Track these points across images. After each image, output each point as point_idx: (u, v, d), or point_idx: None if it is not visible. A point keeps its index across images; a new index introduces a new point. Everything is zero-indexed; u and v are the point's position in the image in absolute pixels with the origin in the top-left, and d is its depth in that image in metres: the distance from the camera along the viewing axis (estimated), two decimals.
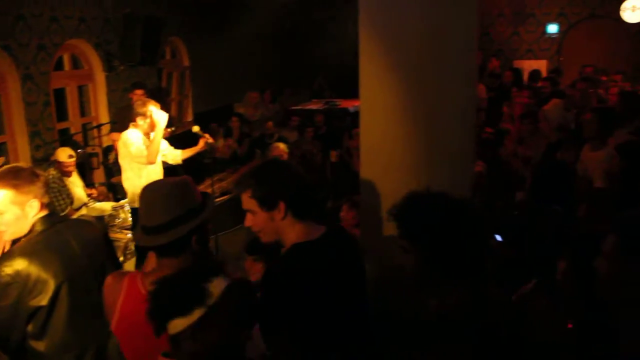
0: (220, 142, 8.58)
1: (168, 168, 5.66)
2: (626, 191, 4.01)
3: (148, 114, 5.14)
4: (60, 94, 7.51)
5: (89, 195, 6.26)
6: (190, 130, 5.81)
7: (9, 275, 2.29)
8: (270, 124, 8.76)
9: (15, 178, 2.40)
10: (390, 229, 2.02)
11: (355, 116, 3.29)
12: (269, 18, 10.30)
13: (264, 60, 11.76)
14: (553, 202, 3.38)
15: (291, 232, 2.14)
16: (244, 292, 1.68)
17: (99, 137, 7.64)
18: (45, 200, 2.47)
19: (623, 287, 1.74)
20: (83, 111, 7.98)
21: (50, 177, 5.55)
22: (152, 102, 5.30)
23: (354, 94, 3.41)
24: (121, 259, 4.54)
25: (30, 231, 2.44)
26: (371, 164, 3.23)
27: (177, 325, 1.60)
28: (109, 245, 2.70)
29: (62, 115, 7.57)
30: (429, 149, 3.11)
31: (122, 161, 5.31)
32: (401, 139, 3.13)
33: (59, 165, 5.80)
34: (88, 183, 6.93)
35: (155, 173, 5.25)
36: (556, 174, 3.55)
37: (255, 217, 2.14)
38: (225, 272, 1.70)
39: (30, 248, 2.40)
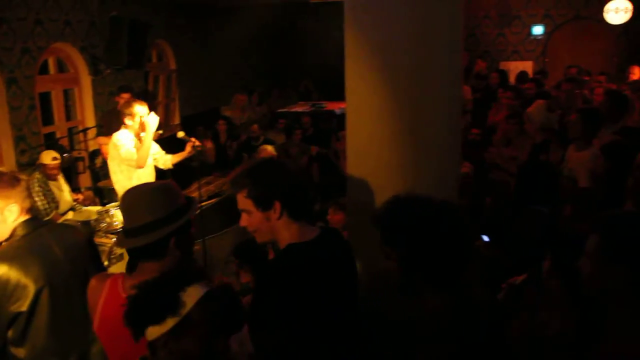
0: (208, 146, 8.55)
1: (157, 171, 5.63)
2: (610, 191, 4.03)
3: (134, 112, 5.10)
4: (45, 98, 7.46)
5: (75, 200, 6.22)
6: (176, 135, 5.77)
7: None
8: (255, 126, 8.75)
9: None
10: (376, 232, 2.02)
11: (341, 118, 3.29)
12: (255, 21, 10.29)
13: (251, 63, 11.76)
14: (538, 202, 3.40)
15: (286, 232, 2.14)
16: (222, 300, 1.67)
17: (85, 141, 7.59)
18: (27, 204, 2.45)
19: (606, 287, 1.75)
20: (69, 115, 7.93)
21: (35, 180, 5.52)
22: (139, 101, 5.25)
23: (340, 96, 3.41)
24: (106, 263, 4.51)
25: (11, 236, 2.42)
26: (358, 166, 3.22)
27: (152, 332, 1.60)
28: (93, 249, 2.68)
29: (47, 119, 7.52)
30: (415, 150, 3.12)
31: (112, 163, 5.28)
32: (387, 140, 3.13)
33: (43, 168, 5.76)
34: (74, 187, 6.89)
35: (147, 176, 5.19)
36: (541, 174, 3.57)
37: (251, 217, 2.13)
38: (206, 278, 1.69)
39: (10, 253, 2.37)
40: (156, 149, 5.47)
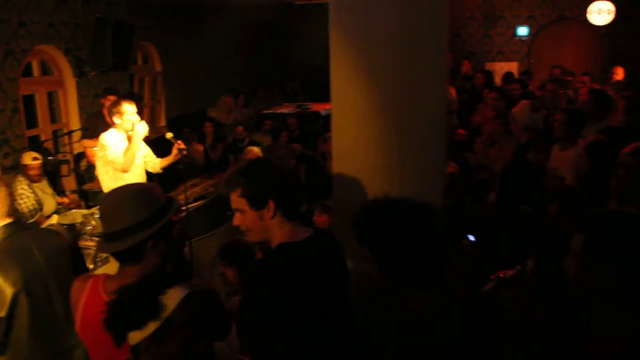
0: (195, 148, 8.52)
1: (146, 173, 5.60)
2: (595, 190, 4.06)
3: (123, 110, 5.09)
4: (29, 101, 7.39)
5: (60, 203, 6.17)
6: (163, 136, 5.75)
7: None
8: (240, 128, 8.73)
9: None
10: None
11: (328, 119, 3.29)
12: (241, 22, 10.27)
13: (237, 64, 11.73)
14: (522, 202, 3.42)
15: (279, 232, 2.15)
16: (204, 302, 1.65)
17: (70, 144, 7.53)
18: (6, 208, 2.42)
19: (592, 286, 1.76)
20: (53, 118, 7.86)
21: (18, 183, 5.47)
22: (127, 100, 5.26)
23: (326, 97, 3.42)
24: (91, 266, 4.47)
25: None
26: (343, 167, 3.23)
27: (134, 337, 1.58)
28: (77, 254, 2.66)
29: (31, 122, 7.44)
30: (401, 151, 3.13)
31: (98, 164, 5.27)
32: (373, 141, 3.14)
33: (25, 169, 5.72)
34: (59, 191, 6.83)
35: (136, 177, 5.18)
36: (525, 174, 3.59)
37: (244, 216, 2.14)
38: (188, 280, 1.68)
39: None
40: (147, 151, 5.45)
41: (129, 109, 5.13)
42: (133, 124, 5.13)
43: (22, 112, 7.02)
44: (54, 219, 5.83)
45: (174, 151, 5.40)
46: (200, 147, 8.76)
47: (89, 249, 4.84)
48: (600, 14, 9.53)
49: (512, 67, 11.63)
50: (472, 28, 12.42)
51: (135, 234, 1.94)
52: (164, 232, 2.01)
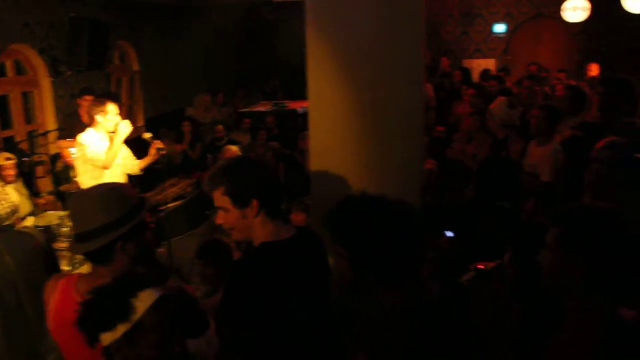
0: (173, 147, 8.47)
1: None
2: (571, 185, 4.11)
3: (107, 109, 5.10)
4: (2, 101, 7.27)
5: (36, 205, 6.08)
6: (141, 136, 5.72)
7: None
8: (220, 127, 8.70)
9: None
10: None
11: (306, 117, 3.29)
12: (219, 21, 10.22)
13: (216, 63, 11.67)
14: (499, 198, 3.45)
15: (261, 230, 2.15)
16: (177, 304, 1.65)
17: (46, 144, 7.43)
18: None
19: (564, 278, 1.79)
20: (28, 118, 7.75)
21: None
22: (111, 100, 5.26)
23: (305, 95, 3.41)
24: (68, 268, 4.42)
25: None
26: (321, 165, 3.23)
27: (106, 338, 1.57)
28: (50, 256, 2.62)
29: (5, 122, 7.33)
30: (378, 148, 3.14)
31: (77, 163, 5.24)
32: (350, 139, 3.14)
33: None
34: (35, 192, 6.73)
35: (116, 177, 5.15)
36: (501, 170, 3.62)
37: (227, 215, 2.13)
38: (162, 282, 1.67)
39: None
40: (126, 153, 5.43)
41: (112, 108, 5.16)
42: (116, 124, 5.15)
43: None
44: (30, 221, 5.74)
45: (152, 151, 5.39)
46: (177, 147, 8.70)
47: (66, 250, 4.78)
48: (575, 11, 9.63)
49: (490, 64, 11.72)
50: (450, 25, 12.49)
51: (105, 234, 1.92)
52: (135, 233, 1.99)
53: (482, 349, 2.07)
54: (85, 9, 8.11)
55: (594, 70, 9.08)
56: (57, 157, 7.30)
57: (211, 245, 3.82)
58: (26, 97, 7.71)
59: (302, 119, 9.32)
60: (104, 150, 5.10)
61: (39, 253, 2.53)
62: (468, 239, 3.39)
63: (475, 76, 10.41)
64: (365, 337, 1.88)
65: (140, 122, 10.17)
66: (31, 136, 7.47)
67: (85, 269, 4.42)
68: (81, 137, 5.11)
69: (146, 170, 5.64)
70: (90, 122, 5.27)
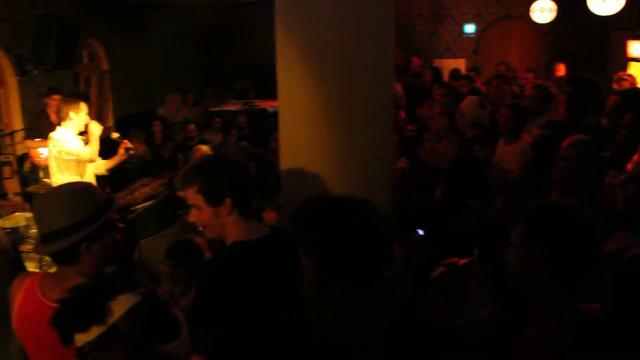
0: (140, 148, 8.37)
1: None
2: (539, 183, 4.19)
3: (81, 108, 5.11)
4: None
5: (2, 207, 5.96)
6: (110, 137, 5.68)
7: None
8: (192, 126, 8.64)
9: None
10: None
11: (277, 117, 3.28)
12: (189, 19, 10.14)
13: (186, 62, 11.58)
14: (469, 196, 3.50)
15: (234, 229, 2.14)
16: (152, 309, 1.63)
17: (13, 144, 7.28)
18: None
19: (529, 274, 1.81)
20: None
21: None
22: (82, 101, 5.26)
23: (274, 94, 3.41)
24: (37, 270, 4.35)
25: None
26: (291, 165, 3.22)
27: (79, 339, 1.55)
28: (14, 259, 2.57)
29: None
30: (348, 147, 3.14)
31: (52, 163, 5.16)
32: (320, 138, 3.14)
33: None
34: (2, 193, 6.61)
35: (88, 176, 5.15)
36: (470, 169, 3.66)
37: (200, 213, 2.12)
38: (142, 286, 1.65)
39: None
40: None
41: (84, 108, 5.17)
42: (87, 124, 5.15)
43: None
44: None
45: (121, 151, 5.35)
46: (141, 147, 8.61)
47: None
48: (543, 12, 9.80)
49: (460, 63, 11.85)
50: (421, 25, 12.60)
51: (69, 235, 1.89)
52: (100, 234, 1.96)
53: (452, 347, 2.10)
54: (53, 7, 7.96)
55: (561, 70, 9.23)
56: (24, 157, 7.17)
57: (181, 245, 3.79)
58: None
59: (274, 118, 9.29)
60: (82, 146, 5.10)
61: (3, 254, 2.49)
62: (439, 237, 3.42)
63: (446, 76, 10.50)
64: (334, 338, 1.88)
65: (110, 123, 10.03)
66: None
67: (54, 270, 4.37)
68: (55, 135, 5.04)
69: (117, 170, 5.58)
70: (59, 121, 5.20)
